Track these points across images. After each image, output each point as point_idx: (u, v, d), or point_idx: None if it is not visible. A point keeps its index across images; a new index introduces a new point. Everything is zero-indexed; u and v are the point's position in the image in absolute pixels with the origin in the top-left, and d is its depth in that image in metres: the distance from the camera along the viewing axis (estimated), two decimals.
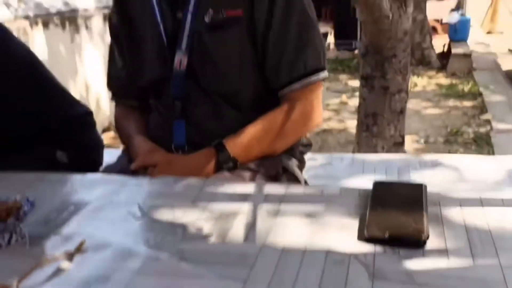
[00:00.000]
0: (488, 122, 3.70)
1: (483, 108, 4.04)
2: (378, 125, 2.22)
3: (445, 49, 6.13)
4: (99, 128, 4.11)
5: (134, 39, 1.10)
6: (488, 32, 8.08)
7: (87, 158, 1.26)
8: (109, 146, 3.86)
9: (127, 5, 1.12)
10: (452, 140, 3.43)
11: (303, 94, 1.02)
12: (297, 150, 1.13)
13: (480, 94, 4.41)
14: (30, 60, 1.22)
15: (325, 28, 6.94)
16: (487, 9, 8.29)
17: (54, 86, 1.25)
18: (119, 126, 1.20)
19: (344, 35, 6.92)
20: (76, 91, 3.90)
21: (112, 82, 1.21)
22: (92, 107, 4.07)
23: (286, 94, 1.02)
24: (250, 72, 1.02)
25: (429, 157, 1.49)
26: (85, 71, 4.00)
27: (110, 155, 1.21)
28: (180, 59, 1.02)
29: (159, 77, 1.07)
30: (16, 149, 1.11)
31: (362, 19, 2.12)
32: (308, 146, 1.18)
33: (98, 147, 1.31)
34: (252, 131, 0.99)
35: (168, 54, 1.04)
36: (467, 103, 4.27)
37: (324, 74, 1.04)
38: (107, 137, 4.12)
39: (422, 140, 3.48)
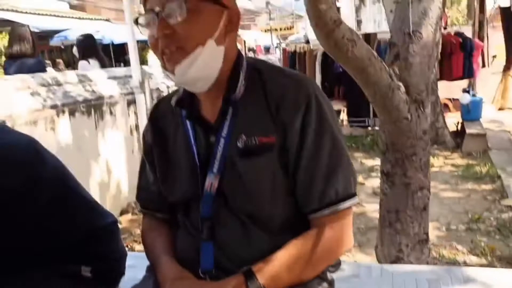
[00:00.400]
0: (510, 208, 3.66)
1: (503, 193, 4.00)
2: (401, 222, 2.21)
3: (459, 128, 6.19)
4: (117, 210, 4.16)
5: (167, 159, 1.14)
6: (500, 109, 8.18)
7: (111, 271, 1.27)
8: (126, 230, 3.87)
9: (161, 125, 1.17)
10: (475, 228, 3.37)
11: (333, 220, 1.04)
12: (327, 273, 1.14)
13: (499, 177, 4.38)
14: (62, 177, 1.23)
15: (338, 106, 7.09)
16: (497, 86, 8.44)
17: (82, 200, 1.26)
18: (146, 239, 1.22)
19: (357, 113, 7.05)
20: (98, 174, 3.97)
21: (142, 195, 1.25)
22: (113, 189, 4.16)
23: (316, 219, 1.04)
24: (281, 197, 1.05)
25: (460, 270, 1.47)
26: (108, 154, 4.10)
27: (131, 259, 1.22)
28: (211, 182, 1.05)
29: (189, 197, 1.10)
30: (41, 267, 1.11)
31: (381, 119, 2.18)
32: (337, 265, 1.18)
33: (122, 257, 1.31)
34: (282, 258, 1.00)
35: (200, 176, 1.07)
36: (486, 187, 4.24)
37: (355, 200, 1.07)
38: (125, 220, 4.14)
39: (443, 228, 3.43)
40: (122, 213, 4.22)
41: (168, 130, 1.15)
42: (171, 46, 0.97)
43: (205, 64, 0.98)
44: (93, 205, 1.31)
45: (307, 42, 7.57)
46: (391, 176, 2.22)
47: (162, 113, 1.17)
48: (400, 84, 2.05)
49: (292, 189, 1.04)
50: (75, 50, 5.15)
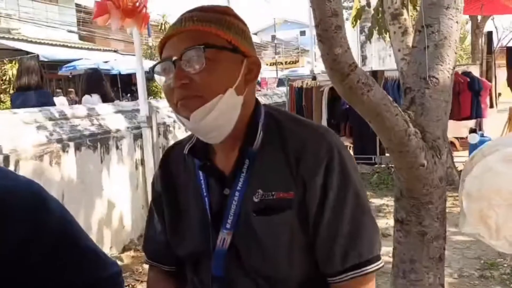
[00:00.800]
0: None
1: None
2: (416, 273, 2.12)
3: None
4: (120, 246, 4.07)
5: (176, 209, 1.08)
6: None
7: None
8: (128, 268, 3.77)
9: (172, 172, 1.11)
10: (488, 275, 3.26)
11: (356, 284, 0.97)
12: None
13: None
14: (66, 224, 1.17)
15: (344, 142, 7.04)
16: (504, 125, 8.40)
17: (86, 249, 1.20)
18: None
19: (364, 150, 7.00)
20: (101, 209, 3.90)
21: (148, 245, 1.18)
22: (115, 224, 4.08)
23: (337, 284, 0.97)
24: (299, 257, 0.98)
25: None
26: (112, 189, 4.05)
27: None
28: (224, 238, 0.98)
29: (199, 253, 1.03)
30: None
31: (396, 165, 2.12)
32: None
33: None
34: None
35: (212, 231, 1.01)
36: None
37: (379, 263, 1.00)
38: (127, 257, 4.04)
39: (455, 274, 3.31)
40: (125, 249, 4.13)
41: (179, 178, 1.09)
42: (189, 95, 0.93)
43: (222, 113, 0.93)
44: (97, 254, 1.24)
45: (314, 78, 7.60)
46: (406, 224, 2.14)
47: (173, 160, 1.12)
48: (417, 130, 2.00)
49: (311, 248, 0.98)
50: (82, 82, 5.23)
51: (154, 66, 0.98)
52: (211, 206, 1.02)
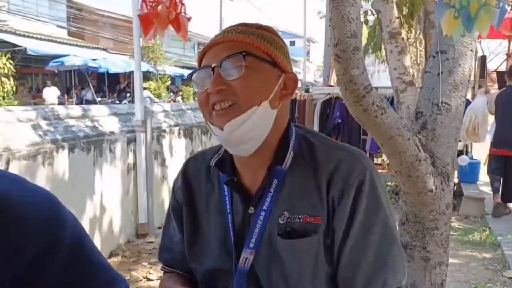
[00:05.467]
0: None
1: (504, 263, 3.93)
2: None
3: (456, 189, 6.18)
4: (107, 251, 3.98)
5: (196, 222, 1.04)
6: None
7: None
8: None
9: (193, 183, 1.07)
10: None
11: None
12: None
13: (498, 245, 4.33)
14: (79, 237, 1.13)
15: None
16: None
17: (98, 264, 1.16)
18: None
19: None
20: (90, 212, 3.82)
21: (165, 255, 1.13)
22: (104, 227, 3.99)
23: None
24: (323, 282, 0.94)
25: None
26: (103, 192, 3.97)
27: None
28: (246, 258, 0.95)
29: (218, 270, 1.00)
30: None
31: (403, 189, 2.11)
32: None
33: None
34: None
35: (234, 249, 0.98)
36: (487, 255, 4.17)
37: None
38: (114, 263, 3.95)
39: None
40: (111, 255, 4.04)
41: (201, 190, 1.06)
42: (225, 102, 0.91)
43: (256, 125, 0.91)
44: (108, 270, 1.20)
45: (307, 90, 7.61)
46: (410, 248, 2.13)
47: (196, 170, 1.08)
48: (427, 155, 2.00)
49: (335, 273, 0.95)
50: None
51: (193, 73, 0.96)
52: (234, 224, 0.99)
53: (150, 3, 1.96)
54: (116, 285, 1.20)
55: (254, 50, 0.93)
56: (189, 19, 2.03)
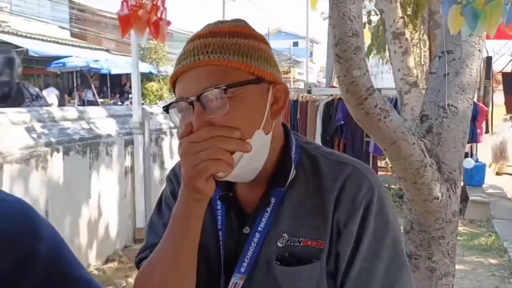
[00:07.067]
0: None
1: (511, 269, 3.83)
2: None
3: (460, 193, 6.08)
4: (103, 257, 3.89)
5: None
6: (498, 174, 8.12)
7: None
8: (110, 282, 3.60)
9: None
10: None
11: None
12: None
13: (505, 251, 4.22)
14: (57, 251, 1.04)
15: None
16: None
17: (79, 280, 1.06)
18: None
19: None
20: (86, 217, 3.73)
21: (145, 254, 0.95)
22: (100, 234, 3.90)
23: None
24: None
25: None
26: (99, 196, 3.88)
27: None
28: (236, 282, 0.85)
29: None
30: None
31: (408, 196, 2.01)
32: None
33: None
34: None
35: (222, 273, 0.87)
36: (493, 261, 4.06)
37: None
38: (110, 269, 3.87)
39: None
40: (108, 261, 3.95)
41: None
42: None
43: (251, 158, 0.81)
44: (89, 283, 1.11)
45: (309, 92, 7.51)
46: (414, 258, 2.03)
47: None
48: (433, 161, 1.90)
49: None
50: None
51: (169, 105, 0.84)
52: (226, 244, 0.89)
53: (132, 7, 1.89)
54: None
55: (233, 74, 0.80)
56: (168, 23, 1.97)
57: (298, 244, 0.84)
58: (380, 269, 0.83)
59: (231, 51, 0.81)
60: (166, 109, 0.84)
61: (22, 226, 0.96)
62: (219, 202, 0.91)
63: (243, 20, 0.89)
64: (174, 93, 0.85)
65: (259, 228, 0.86)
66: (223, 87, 0.77)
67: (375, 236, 0.84)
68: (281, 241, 0.85)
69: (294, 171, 0.88)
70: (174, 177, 1.00)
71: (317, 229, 0.84)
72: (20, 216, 0.96)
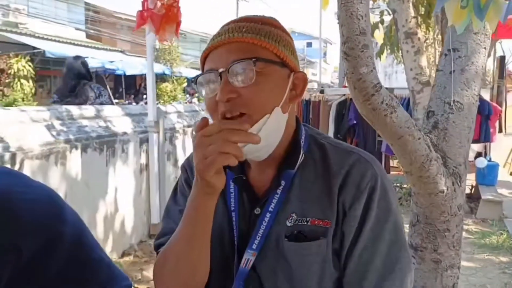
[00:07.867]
0: None
1: None
2: None
3: (473, 192, 6.07)
4: (119, 251, 4.00)
5: None
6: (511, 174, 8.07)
7: None
8: (127, 273, 3.69)
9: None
10: None
11: None
12: None
13: None
14: (80, 235, 1.12)
15: None
16: (510, 150, 8.37)
17: (100, 262, 1.15)
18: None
19: None
20: (103, 212, 3.84)
21: (163, 242, 1.01)
22: (116, 229, 4.01)
23: None
24: (329, 286, 0.92)
25: None
26: (116, 192, 3.99)
27: None
28: (248, 258, 0.92)
29: (216, 268, 0.95)
30: None
31: (414, 190, 2.07)
32: None
33: None
34: None
35: (236, 249, 0.94)
36: (504, 258, 4.07)
37: None
38: (126, 263, 3.97)
39: None
40: (124, 255, 4.06)
41: None
42: (235, 111, 0.86)
43: (269, 134, 0.87)
44: (110, 266, 1.19)
45: (322, 92, 7.56)
46: (420, 250, 2.08)
47: None
48: (438, 155, 1.95)
49: (341, 277, 0.92)
50: None
51: (197, 76, 0.91)
52: (239, 224, 0.96)
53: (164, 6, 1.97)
54: (117, 282, 1.19)
55: (262, 52, 0.88)
56: (178, 23, 2.06)
57: (306, 223, 0.91)
58: (382, 249, 0.90)
59: (263, 33, 0.90)
60: (195, 81, 0.92)
61: (49, 210, 1.05)
62: (232, 186, 0.98)
63: (273, 17, 0.98)
64: (202, 70, 0.92)
65: (270, 209, 0.93)
66: (253, 59, 0.85)
67: (378, 219, 0.90)
68: (290, 221, 0.92)
69: (303, 156, 0.95)
70: (188, 166, 1.07)
71: (324, 210, 0.91)
72: (48, 203, 1.06)
